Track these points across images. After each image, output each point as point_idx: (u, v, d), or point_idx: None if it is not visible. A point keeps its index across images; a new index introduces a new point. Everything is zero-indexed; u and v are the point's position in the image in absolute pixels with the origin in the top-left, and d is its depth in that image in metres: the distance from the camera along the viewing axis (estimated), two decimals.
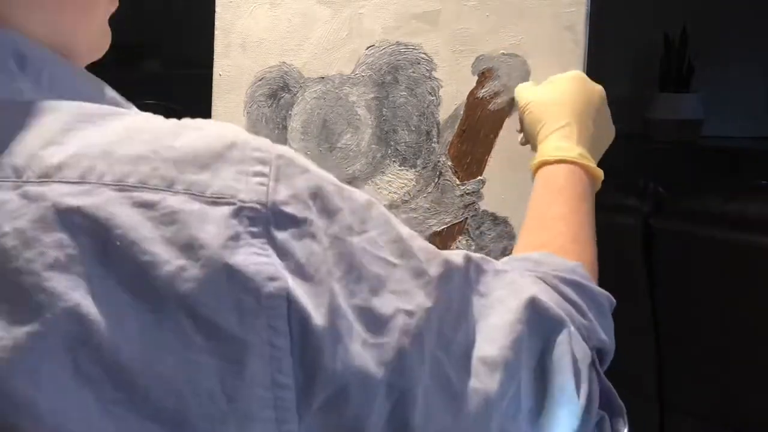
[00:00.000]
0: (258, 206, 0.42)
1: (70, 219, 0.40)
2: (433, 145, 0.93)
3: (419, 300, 0.47)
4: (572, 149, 0.74)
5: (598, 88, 0.82)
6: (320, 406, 0.43)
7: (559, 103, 0.79)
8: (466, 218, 0.92)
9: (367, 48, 0.94)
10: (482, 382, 0.50)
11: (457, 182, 0.92)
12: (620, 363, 2.13)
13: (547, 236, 0.69)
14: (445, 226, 0.93)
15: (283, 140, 0.98)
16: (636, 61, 3.39)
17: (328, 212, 0.45)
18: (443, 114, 0.92)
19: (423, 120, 0.93)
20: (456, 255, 0.52)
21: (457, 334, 0.50)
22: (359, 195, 0.48)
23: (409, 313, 0.46)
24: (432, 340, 0.48)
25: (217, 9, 1.01)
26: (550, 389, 0.55)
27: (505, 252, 0.91)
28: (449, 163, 0.93)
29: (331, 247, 0.44)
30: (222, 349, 0.40)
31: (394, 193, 0.94)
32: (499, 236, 0.91)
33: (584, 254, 0.67)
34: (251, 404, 0.41)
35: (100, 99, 0.49)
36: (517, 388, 0.53)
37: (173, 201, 0.41)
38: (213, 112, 1.01)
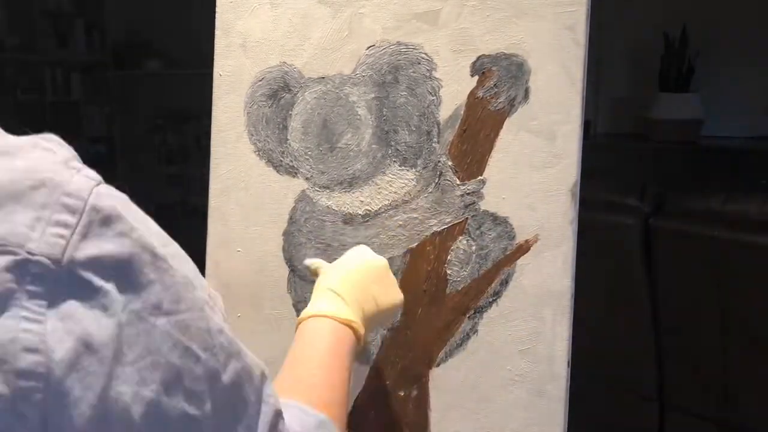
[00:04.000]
0: (47, 261, 0.36)
1: None
2: (433, 145, 0.93)
3: (206, 408, 0.42)
4: (332, 307, 0.76)
5: (381, 262, 0.85)
6: None
7: (337, 268, 0.83)
8: (467, 218, 0.92)
9: (368, 48, 0.94)
10: None
11: (458, 182, 0.93)
12: (620, 363, 2.13)
13: (308, 378, 0.69)
14: (446, 226, 0.93)
15: (284, 140, 0.98)
16: (636, 61, 3.39)
17: (134, 286, 0.40)
18: (443, 114, 0.92)
19: (423, 120, 0.93)
20: (254, 366, 0.49)
21: None
22: (182, 272, 0.43)
23: (192, 418, 0.41)
24: None
25: (218, 9, 1.01)
26: None
27: (506, 252, 0.91)
28: (450, 163, 0.93)
29: (129, 325, 0.39)
30: None
31: (395, 193, 0.94)
32: (500, 236, 0.92)
33: (335, 410, 0.67)
34: None
35: None
36: None
37: None
38: (213, 112, 1.01)
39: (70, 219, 0.38)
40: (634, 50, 3.36)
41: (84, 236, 0.38)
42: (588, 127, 3.34)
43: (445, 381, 0.94)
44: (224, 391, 0.44)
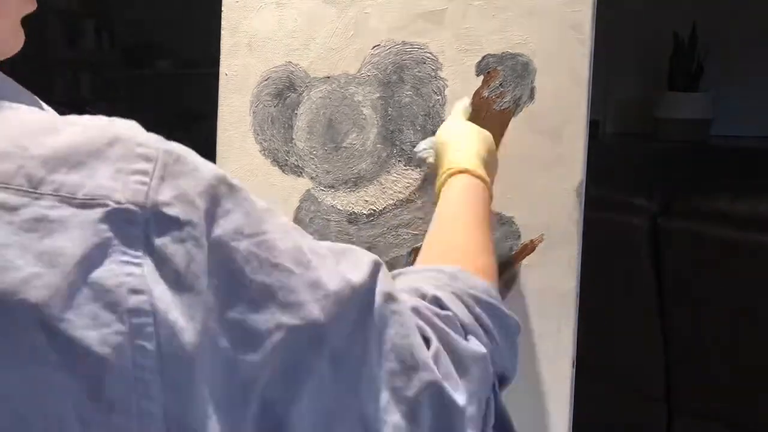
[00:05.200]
0: (134, 207, 0.39)
1: None
2: None
3: (311, 314, 0.44)
4: (479, 167, 0.77)
5: (488, 134, 0.86)
6: None
7: (466, 140, 0.83)
8: None
9: (373, 47, 0.94)
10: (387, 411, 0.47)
11: None
12: (627, 363, 2.12)
13: (460, 240, 0.69)
14: None
15: (289, 139, 0.98)
16: (645, 61, 3.38)
17: (216, 214, 0.42)
18: (449, 113, 0.92)
19: (428, 119, 0.93)
20: (362, 270, 0.49)
21: (352, 350, 0.46)
22: (259, 200, 0.45)
23: (292, 329, 0.43)
24: (319, 356, 0.44)
25: (224, 9, 1.01)
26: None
27: (511, 251, 0.91)
28: None
29: (213, 252, 0.41)
30: (79, 368, 0.37)
31: (400, 192, 0.94)
32: (505, 236, 0.91)
33: (491, 266, 0.67)
34: None
35: (14, 99, 0.45)
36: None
37: (37, 206, 0.38)
38: (219, 112, 1.01)
39: (147, 166, 0.40)
40: (643, 50, 3.35)
41: (162, 179, 0.40)
42: (596, 126, 3.33)
43: None
44: (330, 297, 0.45)
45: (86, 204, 0.38)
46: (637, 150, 3.30)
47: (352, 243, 0.95)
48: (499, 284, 0.91)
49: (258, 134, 0.99)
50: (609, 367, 1.98)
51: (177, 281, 0.39)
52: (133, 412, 0.37)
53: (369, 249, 0.95)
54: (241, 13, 1.00)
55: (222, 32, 1.01)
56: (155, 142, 0.42)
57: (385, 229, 0.95)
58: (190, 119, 5.05)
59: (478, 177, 0.76)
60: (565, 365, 0.90)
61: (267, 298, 0.43)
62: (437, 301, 0.56)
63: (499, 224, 0.92)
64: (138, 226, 0.39)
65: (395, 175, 0.94)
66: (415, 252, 0.94)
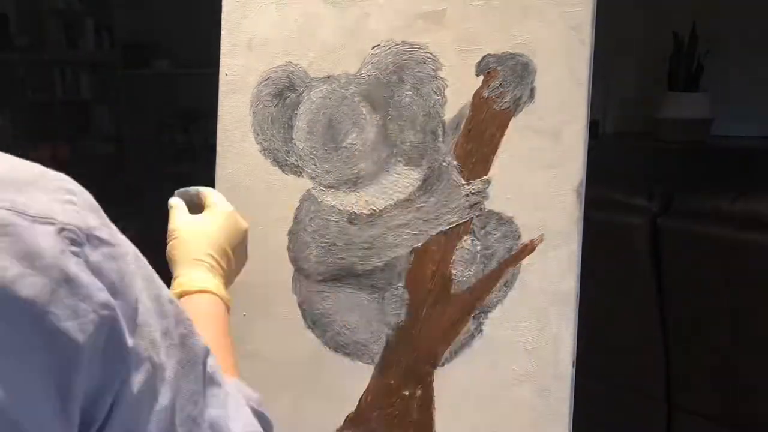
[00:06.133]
0: (75, 228, 0.45)
1: None
2: (438, 144, 0.93)
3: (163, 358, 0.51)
4: (211, 281, 0.80)
5: (244, 227, 0.89)
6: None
7: (205, 235, 0.84)
8: (472, 218, 0.92)
9: (373, 47, 0.94)
10: None
11: (463, 182, 0.92)
12: (627, 363, 2.12)
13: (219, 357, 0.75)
14: (451, 226, 0.93)
15: (289, 139, 0.98)
16: (645, 61, 3.38)
17: (121, 242, 0.49)
18: (449, 113, 0.92)
19: (428, 119, 0.93)
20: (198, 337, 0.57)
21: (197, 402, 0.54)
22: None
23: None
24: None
25: (224, 9, 1.01)
26: None
27: (511, 251, 0.91)
28: (455, 162, 0.93)
29: (135, 263, 0.49)
30: (60, 350, 0.42)
31: (400, 192, 0.94)
32: (504, 236, 0.91)
33: (237, 370, 0.74)
34: (77, 407, 0.44)
35: None
36: None
37: (1, 214, 0.42)
38: (219, 112, 1.01)
39: (73, 198, 0.46)
40: (643, 49, 3.34)
41: (84, 208, 0.46)
42: (596, 126, 3.33)
43: (450, 381, 0.94)
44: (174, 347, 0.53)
45: (37, 220, 0.43)
46: (637, 150, 3.30)
47: (353, 243, 0.96)
48: (499, 284, 0.92)
49: (258, 134, 0.99)
50: (609, 367, 1.98)
51: (114, 292, 0.45)
52: (101, 378, 0.45)
53: (369, 249, 0.95)
54: (241, 13, 1.00)
55: (222, 32, 1.01)
56: (69, 179, 0.48)
57: (385, 229, 0.95)
58: (190, 119, 5.05)
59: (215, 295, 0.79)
60: (565, 365, 0.90)
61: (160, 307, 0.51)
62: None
63: (499, 224, 0.92)
64: (79, 244, 0.44)
65: (395, 175, 0.94)
66: (415, 252, 0.94)
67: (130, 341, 0.46)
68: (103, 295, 0.44)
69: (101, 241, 0.46)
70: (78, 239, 0.44)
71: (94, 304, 0.44)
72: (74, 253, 0.44)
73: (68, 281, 0.43)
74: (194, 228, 0.85)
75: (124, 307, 0.46)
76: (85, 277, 0.44)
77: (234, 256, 0.85)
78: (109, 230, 0.47)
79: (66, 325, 0.42)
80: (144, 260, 0.52)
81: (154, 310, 0.50)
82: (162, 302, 0.52)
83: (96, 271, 0.45)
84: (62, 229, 0.44)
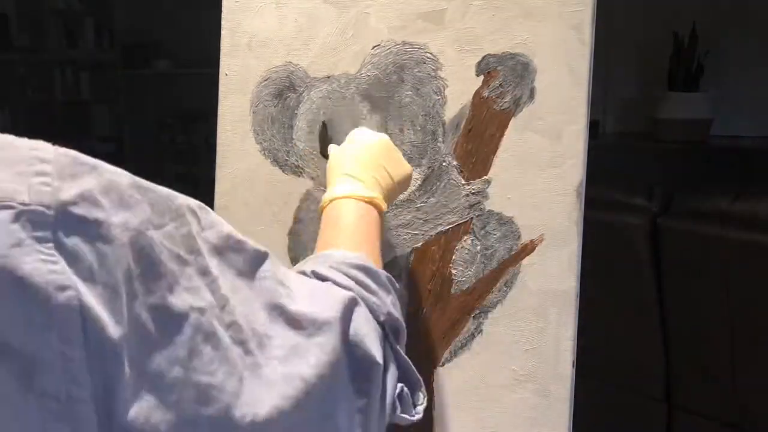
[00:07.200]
0: (41, 208, 0.39)
1: None
2: (438, 144, 0.93)
3: (208, 298, 0.47)
4: (358, 189, 0.79)
5: (384, 138, 0.87)
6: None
7: (348, 152, 0.85)
8: (472, 218, 0.92)
9: (373, 47, 0.94)
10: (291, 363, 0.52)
11: (463, 182, 0.92)
12: (627, 363, 2.12)
13: (341, 241, 0.73)
14: (451, 226, 0.93)
15: (289, 139, 0.98)
16: (645, 61, 3.38)
17: (126, 207, 0.43)
18: (449, 113, 0.92)
19: (428, 119, 0.93)
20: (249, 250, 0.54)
21: (255, 323, 0.51)
22: (160, 187, 0.47)
23: (201, 311, 0.46)
24: (227, 334, 0.48)
25: (224, 9, 1.01)
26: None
27: (511, 251, 0.91)
28: (455, 162, 0.93)
29: (131, 243, 0.43)
30: (8, 364, 0.38)
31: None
32: (505, 236, 0.91)
33: (372, 254, 0.72)
34: (43, 419, 0.39)
35: None
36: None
37: None
38: (219, 112, 1.01)
39: (46, 167, 0.40)
40: (643, 50, 3.34)
41: (62, 179, 0.41)
42: (596, 127, 3.33)
43: (450, 381, 0.94)
44: (216, 281, 0.49)
45: None
46: (637, 150, 3.30)
47: None
48: (499, 284, 0.92)
49: (258, 134, 0.99)
50: (609, 367, 1.98)
51: (93, 278, 0.40)
52: (62, 399, 0.39)
53: None
54: (241, 13, 1.00)
55: (222, 32, 1.01)
56: (47, 144, 0.42)
57: (385, 229, 0.95)
58: (190, 119, 5.05)
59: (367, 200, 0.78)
60: (565, 365, 0.90)
61: (177, 283, 0.45)
62: (315, 274, 0.63)
63: (499, 224, 0.92)
64: (47, 227, 0.39)
65: None
66: (415, 252, 0.94)
67: (114, 331, 0.41)
68: (66, 295, 0.39)
69: (79, 220, 0.40)
70: (44, 221, 0.39)
71: (51, 308, 0.38)
72: (37, 239, 0.38)
73: (16, 283, 0.37)
74: (339, 152, 0.86)
75: (106, 294, 0.41)
76: (42, 274, 0.38)
77: (388, 166, 0.83)
78: (93, 201, 0.41)
79: (11, 335, 0.37)
80: (159, 194, 0.46)
81: (181, 260, 0.46)
82: (193, 242, 0.47)
83: (70, 255, 0.39)
84: (22, 213, 0.38)
